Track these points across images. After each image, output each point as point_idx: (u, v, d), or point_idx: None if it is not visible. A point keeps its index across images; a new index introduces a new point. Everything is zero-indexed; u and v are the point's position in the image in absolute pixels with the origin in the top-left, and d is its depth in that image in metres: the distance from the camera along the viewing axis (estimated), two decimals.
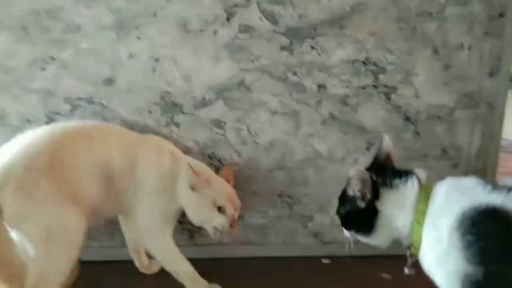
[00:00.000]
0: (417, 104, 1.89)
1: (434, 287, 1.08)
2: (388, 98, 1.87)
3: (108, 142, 1.53)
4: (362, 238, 1.19)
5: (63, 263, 1.37)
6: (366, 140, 1.89)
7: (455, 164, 1.95)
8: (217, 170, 1.77)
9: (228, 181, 1.68)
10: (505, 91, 1.96)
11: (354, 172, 1.13)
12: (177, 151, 1.67)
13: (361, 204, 1.13)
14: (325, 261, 1.93)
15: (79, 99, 1.75)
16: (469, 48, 1.87)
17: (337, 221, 1.25)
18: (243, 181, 1.86)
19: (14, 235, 1.32)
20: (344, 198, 1.19)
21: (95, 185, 1.47)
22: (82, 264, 1.73)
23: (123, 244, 1.80)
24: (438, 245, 1.02)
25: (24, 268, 1.34)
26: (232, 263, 1.88)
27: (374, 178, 1.12)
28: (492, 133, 1.94)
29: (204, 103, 1.79)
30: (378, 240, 1.17)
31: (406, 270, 1.19)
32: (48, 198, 1.34)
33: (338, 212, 1.23)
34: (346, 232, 1.23)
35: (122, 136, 1.59)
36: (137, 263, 1.77)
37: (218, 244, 1.89)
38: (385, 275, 1.81)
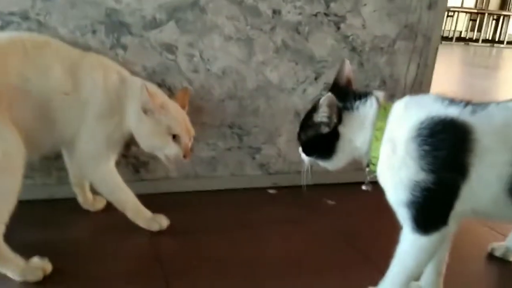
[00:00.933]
0: (363, 34, 1.88)
1: (382, 204, 1.08)
2: (338, 27, 1.83)
3: (44, 57, 1.29)
4: (321, 162, 1.16)
5: (8, 190, 1.18)
6: (314, 70, 1.84)
7: (392, 94, 1.99)
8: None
9: (183, 107, 1.51)
10: (440, 24, 2.02)
11: (324, 99, 1.07)
12: (125, 71, 1.47)
13: (325, 130, 1.10)
14: (271, 191, 1.88)
15: (12, 14, 1.44)
16: None
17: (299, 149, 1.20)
18: (193, 112, 1.70)
19: None
20: (307, 124, 1.14)
21: (30, 106, 1.26)
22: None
23: (60, 182, 1.58)
24: (393, 156, 1.03)
25: None
26: (179, 197, 1.75)
27: (339, 103, 1.09)
28: (426, 64, 2.00)
29: (154, 24, 1.58)
30: (338, 162, 1.14)
31: (364, 187, 1.19)
32: None
33: (299, 138, 1.18)
34: (305, 158, 1.18)
35: (62, 51, 1.36)
36: (80, 199, 1.56)
37: (164, 178, 1.75)
38: (329, 202, 1.82)
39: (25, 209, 1.51)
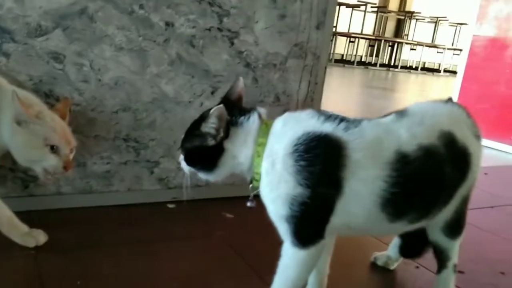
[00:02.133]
0: (257, 51, 1.89)
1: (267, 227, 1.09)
2: (232, 43, 1.82)
3: None
4: (201, 174, 1.13)
5: None
6: (211, 84, 1.81)
7: (286, 110, 1.96)
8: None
9: (63, 117, 1.40)
10: (328, 43, 2.08)
11: (215, 109, 1.05)
12: (1, 79, 1.35)
13: (211, 142, 1.07)
14: (171, 206, 1.82)
15: None
16: (301, 0, 1.92)
17: (178, 156, 1.16)
18: (85, 124, 1.62)
19: None
20: (193, 133, 1.11)
21: None
22: None
23: None
24: (272, 171, 1.03)
25: None
26: (72, 214, 1.64)
27: (228, 117, 1.08)
28: (316, 81, 2.05)
29: (40, 31, 1.48)
30: (218, 176, 1.12)
31: (248, 203, 1.16)
32: None
33: (183, 146, 1.14)
34: (185, 168, 1.15)
35: None
36: None
37: (56, 194, 1.63)
38: (228, 215, 1.79)
39: None
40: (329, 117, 1.05)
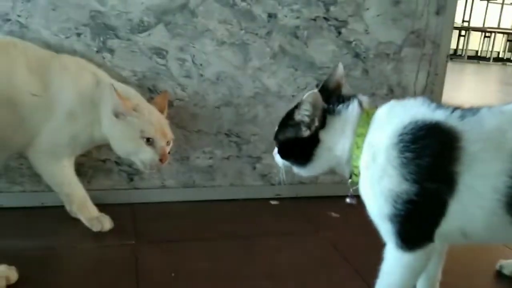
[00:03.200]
0: (367, 40, 1.71)
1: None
2: (339, 32, 1.67)
3: (8, 57, 1.21)
4: (295, 168, 1.03)
5: None
6: (316, 76, 1.68)
7: None
8: None
9: (161, 110, 1.39)
10: (450, 30, 1.82)
11: (308, 95, 0.93)
12: (102, 73, 1.37)
13: (306, 133, 0.96)
14: (273, 202, 1.72)
15: None
16: None
17: (275, 150, 1.05)
18: (187, 119, 1.59)
19: None
20: (287, 123, 1.00)
21: None
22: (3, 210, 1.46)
23: (50, 189, 1.47)
24: (373, 164, 0.90)
25: None
26: (174, 207, 1.62)
27: (325, 105, 0.96)
28: (436, 72, 1.80)
29: (142, 27, 1.48)
30: (313, 170, 1.01)
31: (348, 200, 1.06)
32: None
33: (276, 137, 1.03)
34: (279, 161, 1.05)
35: (29, 52, 1.27)
36: (68, 207, 1.44)
37: (160, 187, 1.62)
38: (334, 214, 1.65)
39: (10, 216, 1.45)
40: (441, 105, 0.90)
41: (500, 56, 9.83)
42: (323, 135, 0.96)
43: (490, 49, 9.33)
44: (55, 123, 1.27)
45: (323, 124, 0.95)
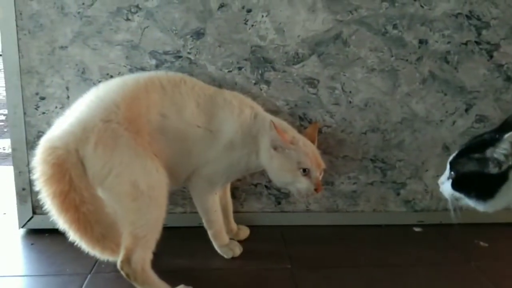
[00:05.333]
0: None
1: None
2: (491, 56, 1.56)
3: (180, 94, 1.28)
4: (471, 201, 0.98)
5: (155, 220, 1.17)
6: (465, 101, 1.59)
7: None
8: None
9: (312, 141, 1.39)
10: None
11: (510, 135, 0.89)
12: (258, 107, 1.40)
13: (494, 170, 0.92)
14: (416, 229, 1.65)
15: (166, 53, 1.46)
16: None
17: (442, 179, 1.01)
18: (334, 145, 1.58)
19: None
20: (472, 156, 0.96)
21: (168, 140, 1.25)
22: (167, 229, 1.53)
23: None
24: None
25: (115, 229, 1.17)
26: (318, 231, 1.62)
27: None
28: None
29: (297, 59, 1.50)
30: (493, 206, 0.96)
31: None
32: (129, 150, 1.15)
33: (454, 168, 0.99)
34: (447, 191, 1.01)
35: (197, 88, 1.33)
36: (225, 229, 1.49)
37: (305, 211, 1.63)
38: (482, 243, 1.55)
39: (175, 237, 1.53)
40: None
41: None
42: None
43: None
44: (215, 154, 1.32)
45: None
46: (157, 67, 1.46)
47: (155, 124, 1.22)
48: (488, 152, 0.92)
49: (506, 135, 0.89)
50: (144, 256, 1.15)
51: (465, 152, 0.99)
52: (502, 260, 1.45)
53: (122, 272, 1.16)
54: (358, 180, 1.63)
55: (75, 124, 1.15)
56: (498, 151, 0.91)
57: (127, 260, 1.14)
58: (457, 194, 1.00)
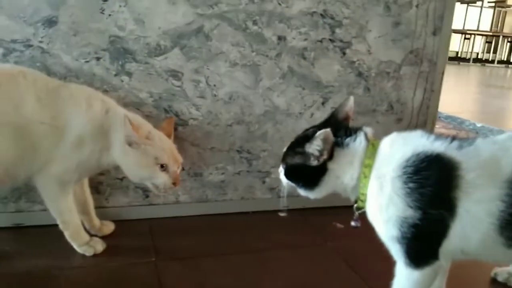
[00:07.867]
0: (369, 60, 1.72)
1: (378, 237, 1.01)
2: (344, 53, 1.67)
3: (18, 88, 1.17)
4: (301, 190, 1.06)
5: None
6: (322, 95, 1.68)
7: (400, 118, 1.82)
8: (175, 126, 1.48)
9: (168, 136, 1.36)
10: (445, 49, 1.83)
11: (321, 133, 0.96)
12: (110, 101, 1.31)
13: (314, 163, 0.99)
14: (282, 214, 1.71)
15: (14, 41, 1.34)
16: (417, 6, 1.71)
17: (280, 168, 1.08)
18: (201, 137, 1.58)
19: None
20: (296, 150, 1.03)
21: (8, 137, 1.15)
22: (25, 228, 1.45)
23: None
24: (380, 193, 0.95)
25: None
26: (188, 221, 1.61)
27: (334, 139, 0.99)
28: (432, 89, 1.81)
29: (159, 51, 1.46)
30: (317, 194, 1.05)
31: (353, 223, 1.09)
32: None
33: (284, 160, 1.06)
34: (284, 181, 1.08)
35: (37, 81, 1.22)
36: (87, 225, 1.42)
37: (174, 202, 1.61)
38: (338, 225, 1.65)
39: (34, 236, 1.42)
40: (439, 137, 0.96)
41: (479, 57, 9.90)
42: (331, 165, 0.99)
43: (470, 50, 9.40)
44: (63, 151, 1.23)
45: (331, 156, 0.99)
46: (4, 56, 1.33)
47: None
48: (307, 147, 0.99)
49: (318, 133, 0.95)
50: None
51: (292, 146, 1.05)
52: (355, 239, 1.56)
53: None
54: (226, 171, 1.65)
55: None
56: (313, 147, 0.97)
57: None
58: (290, 183, 1.06)
